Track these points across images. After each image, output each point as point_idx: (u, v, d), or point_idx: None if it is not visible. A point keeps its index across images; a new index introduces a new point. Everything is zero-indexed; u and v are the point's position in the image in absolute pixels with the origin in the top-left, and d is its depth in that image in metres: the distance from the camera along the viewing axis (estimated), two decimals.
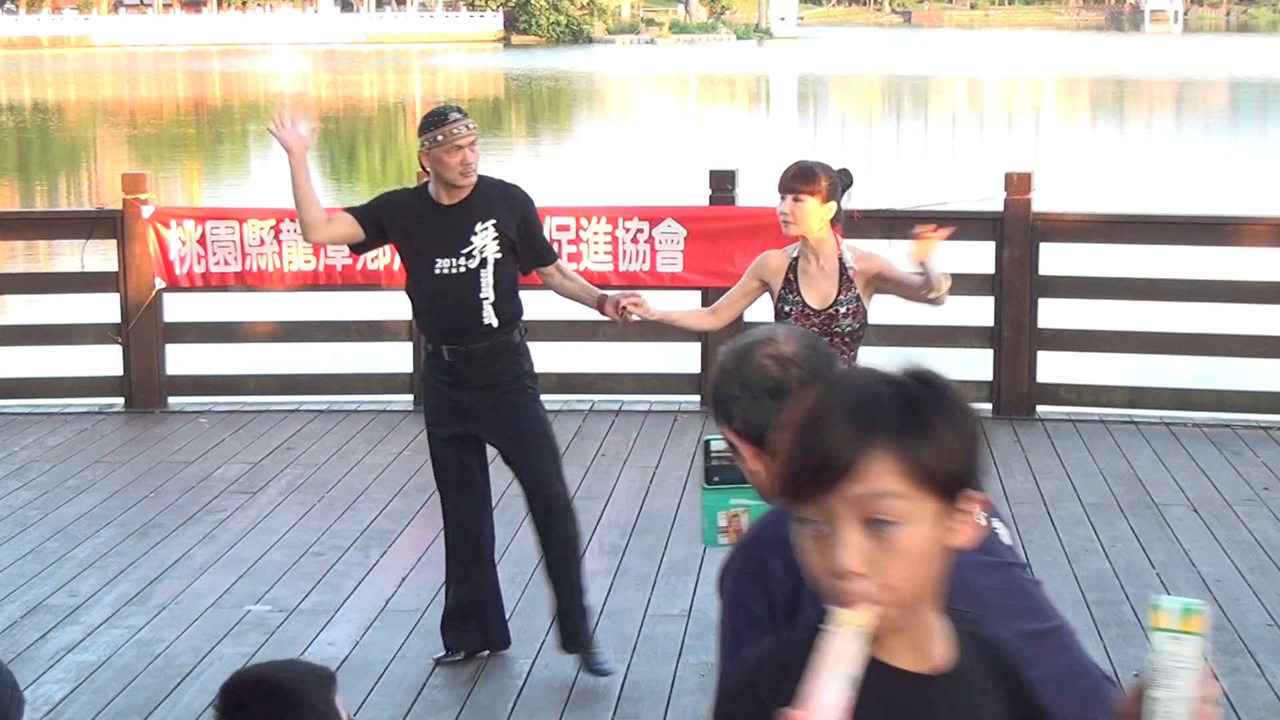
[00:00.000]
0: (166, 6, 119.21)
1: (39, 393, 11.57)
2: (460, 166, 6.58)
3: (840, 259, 6.50)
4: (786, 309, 6.51)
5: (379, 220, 6.79)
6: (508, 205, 6.75)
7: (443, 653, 6.98)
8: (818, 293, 6.50)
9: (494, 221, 6.68)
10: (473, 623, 6.95)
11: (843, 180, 6.58)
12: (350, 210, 6.89)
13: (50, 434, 10.67)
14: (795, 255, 6.54)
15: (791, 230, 6.50)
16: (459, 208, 6.69)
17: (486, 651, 6.98)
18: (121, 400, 11.28)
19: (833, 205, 6.45)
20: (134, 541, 8.55)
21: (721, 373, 3.08)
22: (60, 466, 9.95)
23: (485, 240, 6.68)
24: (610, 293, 6.87)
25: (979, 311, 11.05)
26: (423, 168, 6.82)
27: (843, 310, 6.49)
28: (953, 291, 11.47)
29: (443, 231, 6.68)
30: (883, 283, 6.57)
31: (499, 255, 6.69)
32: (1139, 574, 7.89)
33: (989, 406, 10.85)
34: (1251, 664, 6.83)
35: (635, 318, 6.66)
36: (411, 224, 6.73)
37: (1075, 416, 10.74)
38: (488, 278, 6.69)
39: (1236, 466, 9.69)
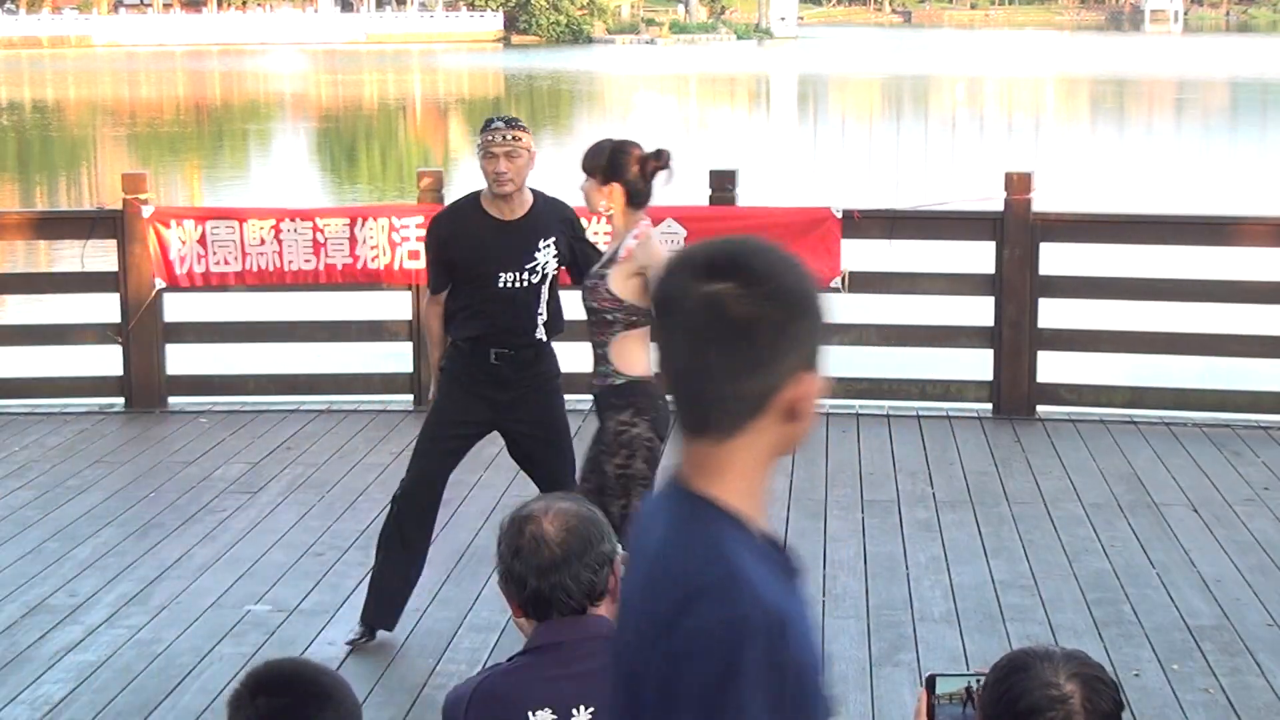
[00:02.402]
0: (166, 6, 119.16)
1: (39, 393, 11.57)
2: (493, 174, 6.74)
3: (624, 241, 6.42)
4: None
5: (448, 261, 6.93)
6: (563, 224, 6.99)
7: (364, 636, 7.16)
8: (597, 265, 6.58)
9: (554, 239, 6.90)
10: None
11: (653, 162, 6.44)
12: (435, 286, 7.07)
13: (50, 434, 10.67)
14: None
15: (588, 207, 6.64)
16: (524, 224, 6.88)
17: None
18: (122, 400, 11.28)
19: (614, 187, 6.39)
20: (134, 541, 8.55)
21: (500, 530, 3.47)
22: (60, 466, 9.95)
23: (547, 257, 6.89)
24: None
25: (979, 311, 11.06)
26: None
27: (587, 284, 6.49)
28: (953, 291, 11.57)
29: (509, 247, 6.84)
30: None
31: (553, 272, 6.94)
32: (1139, 574, 7.90)
33: (989, 406, 10.86)
34: (1251, 664, 6.83)
35: None
36: (473, 239, 6.86)
37: (1075, 416, 10.74)
38: (544, 293, 6.91)
39: (1236, 466, 9.69)
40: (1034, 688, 2.86)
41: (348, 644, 7.11)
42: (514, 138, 6.75)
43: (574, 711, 3.36)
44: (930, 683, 3.04)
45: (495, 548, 3.46)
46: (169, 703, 6.55)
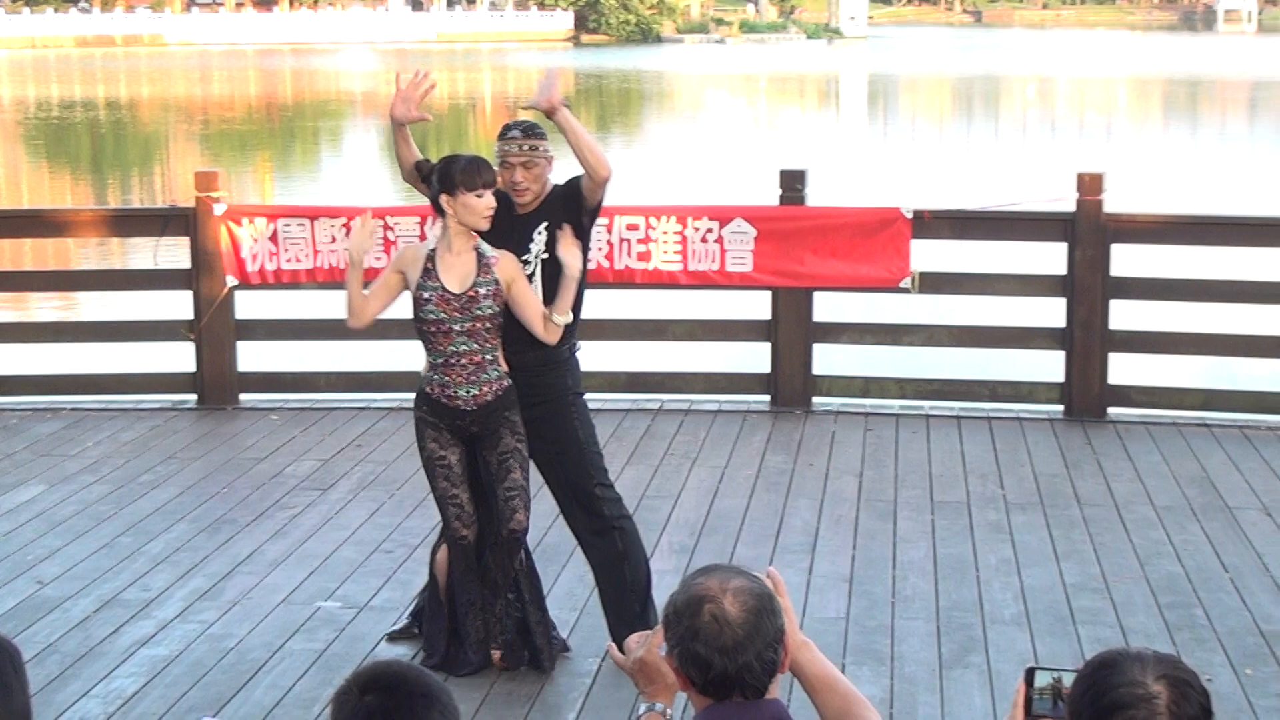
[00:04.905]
0: (239, 5, 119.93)
1: (113, 389, 11.65)
2: (509, 184, 6.60)
3: (476, 248, 6.59)
4: (425, 295, 6.59)
5: None
6: (564, 201, 6.74)
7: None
8: (456, 277, 6.56)
9: (546, 224, 6.69)
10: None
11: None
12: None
13: (124, 430, 10.76)
14: (434, 246, 6.64)
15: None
16: (530, 214, 6.73)
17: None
18: (194, 396, 11.36)
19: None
20: (206, 537, 8.62)
21: (673, 608, 3.28)
22: (134, 462, 10.03)
23: (540, 244, 6.70)
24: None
25: (1051, 313, 11.00)
26: None
27: (483, 290, 6.55)
28: (1024, 292, 11.49)
29: (509, 237, 6.72)
30: (510, 292, 6.61)
31: (545, 255, 6.70)
32: (1211, 577, 7.84)
33: (1060, 408, 10.79)
34: None
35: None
36: (491, 229, 6.71)
37: (1147, 419, 10.66)
38: (537, 280, 6.70)
39: None
40: (1120, 684, 2.85)
41: (388, 634, 7.23)
42: (530, 147, 6.61)
43: None
44: (1029, 675, 3.05)
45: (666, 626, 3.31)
46: (240, 698, 6.60)
